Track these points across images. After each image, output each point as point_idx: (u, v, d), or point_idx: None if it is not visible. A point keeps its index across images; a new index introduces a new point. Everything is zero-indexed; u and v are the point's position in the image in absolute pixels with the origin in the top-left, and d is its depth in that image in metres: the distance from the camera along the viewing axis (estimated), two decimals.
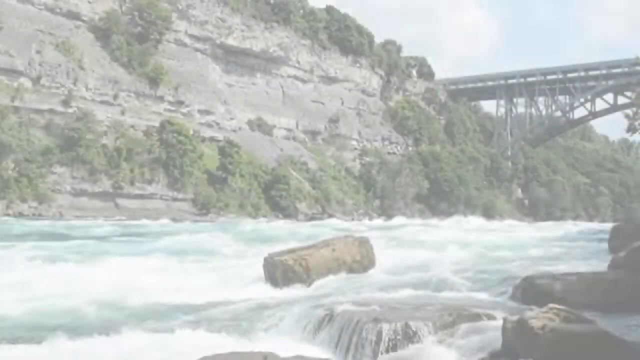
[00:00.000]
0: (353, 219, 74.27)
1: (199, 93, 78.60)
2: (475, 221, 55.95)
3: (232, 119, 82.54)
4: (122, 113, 67.06)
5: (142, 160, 64.00)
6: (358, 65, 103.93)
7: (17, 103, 58.28)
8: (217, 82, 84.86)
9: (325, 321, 9.65)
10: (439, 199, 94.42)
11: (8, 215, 50.20)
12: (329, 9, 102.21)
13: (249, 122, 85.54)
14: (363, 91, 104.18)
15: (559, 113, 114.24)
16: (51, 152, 57.80)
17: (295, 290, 13.88)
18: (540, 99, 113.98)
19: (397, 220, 62.44)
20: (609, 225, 32.90)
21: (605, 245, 23.37)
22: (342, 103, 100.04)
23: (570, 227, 54.88)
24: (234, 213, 67.37)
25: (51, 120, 60.25)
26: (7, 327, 10.46)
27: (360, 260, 16.19)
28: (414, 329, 8.82)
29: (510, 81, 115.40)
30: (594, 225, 66.29)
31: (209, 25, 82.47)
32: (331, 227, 40.57)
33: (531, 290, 11.09)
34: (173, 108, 73.58)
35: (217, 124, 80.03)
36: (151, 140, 66.01)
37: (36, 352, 9.20)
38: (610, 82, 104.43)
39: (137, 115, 68.86)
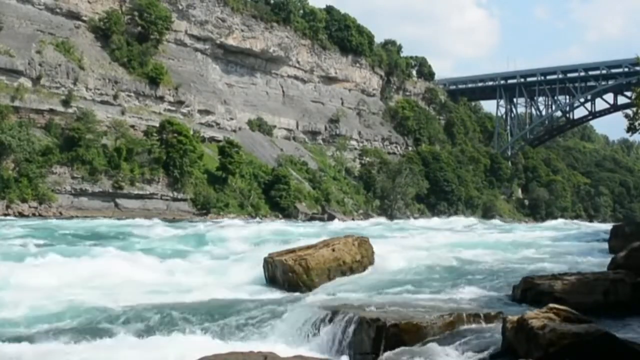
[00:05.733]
0: (353, 219, 74.28)
1: (199, 93, 78.59)
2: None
3: (232, 119, 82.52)
4: (122, 113, 67.03)
5: (142, 160, 63.95)
6: (358, 65, 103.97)
7: (17, 103, 58.23)
8: (217, 82, 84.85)
9: (325, 321, 9.64)
10: (439, 199, 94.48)
11: (8, 215, 50.16)
12: (329, 9, 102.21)
13: (249, 122, 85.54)
14: (363, 91, 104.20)
15: (559, 113, 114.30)
16: (51, 152, 57.77)
17: (295, 290, 13.87)
18: (540, 99, 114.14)
19: (409, 220, 63.04)
20: (608, 226, 32.97)
21: (605, 245, 23.41)
22: (342, 103, 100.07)
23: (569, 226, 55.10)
24: (234, 213, 67.42)
25: (51, 120, 60.22)
26: None
27: (361, 260, 16.18)
28: (414, 329, 8.82)
29: (510, 81, 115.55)
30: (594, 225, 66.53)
31: (209, 25, 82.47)
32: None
33: (531, 290, 11.10)
34: (173, 108, 73.55)
35: (217, 124, 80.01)
36: (151, 140, 65.97)
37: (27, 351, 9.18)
38: (610, 82, 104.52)
39: (137, 115, 68.83)
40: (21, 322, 10.84)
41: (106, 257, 18.54)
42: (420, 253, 20.10)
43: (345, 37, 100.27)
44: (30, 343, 9.43)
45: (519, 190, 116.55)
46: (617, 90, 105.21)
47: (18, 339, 9.59)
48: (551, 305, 8.10)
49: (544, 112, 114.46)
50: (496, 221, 72.08)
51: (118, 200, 61.53)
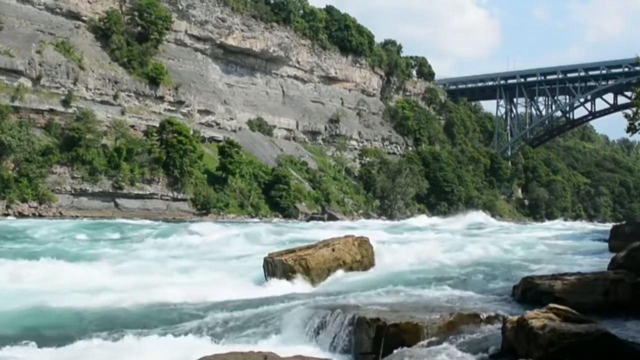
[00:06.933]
0: (353, 219, 74.24)
1: (199, 93, 78.59)
2: None
3: (232, 119, 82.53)
4: (122, 113, 67.03)
5: (142, 160, 63.96)
6: (358, 65, 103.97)
7: (17, 103, 58.23)
8: (217, 82, 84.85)
9: (325, 321, 9.63)
10: (439, 199, 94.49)
11: (8, 215, 50.15)
12: (329, 9, 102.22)
13: (249, 122, 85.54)
14: (363, 91, 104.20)
15: (559, 113, 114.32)
16: (51, 152, 57.77)
17: (296, 290, 13.86)
18: (540, 99, 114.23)
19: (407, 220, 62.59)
20: (608, 226, 32.96)
21: (605, 245, 23.41)
22: (342, 103, 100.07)
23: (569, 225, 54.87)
24: (234, 213, 67.42)
25: (51, 120, 60.21)
26: None
27: (361, 260, 16.19)
28: (414, 329, 8.81)
29: (510, 81, 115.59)
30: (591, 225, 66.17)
31: (209, 25, 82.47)
32: None
33: (531, 290, 11.07)
34: (173, 108, 73.56)
35: (217, 124, 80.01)
36: (151, 140, 65.97)
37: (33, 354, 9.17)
38: (610, 82, 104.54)
39: (137, 115, 68.83)
40: None
41: None
42: (420, 253, 20.08)
43: (345, 37, 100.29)
44: None
45: (519, 190, 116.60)
46: (617, 90, 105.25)
47: None
48: (551, 305, 8.09)
49: (544, 112, 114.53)
50: (493, 220, 71.27)
51: (118, 200, 61.52)
